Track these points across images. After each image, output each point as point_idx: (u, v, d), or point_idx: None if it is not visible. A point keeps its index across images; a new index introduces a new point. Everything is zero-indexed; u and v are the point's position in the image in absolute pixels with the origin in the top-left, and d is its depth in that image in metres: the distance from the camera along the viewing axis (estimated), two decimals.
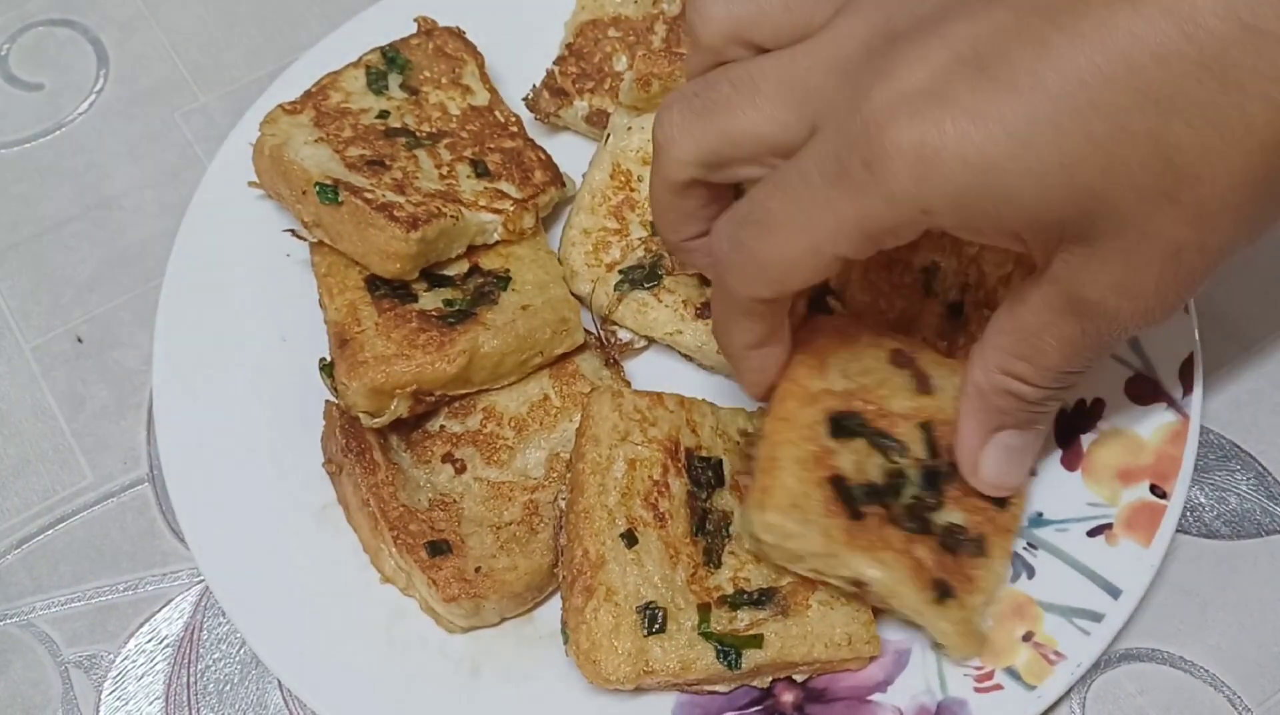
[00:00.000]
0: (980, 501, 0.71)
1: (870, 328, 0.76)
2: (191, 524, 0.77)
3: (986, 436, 0.68)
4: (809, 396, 0.70)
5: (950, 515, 0.70)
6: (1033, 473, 0.75)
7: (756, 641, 0.68)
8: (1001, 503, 0.72)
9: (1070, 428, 0.79)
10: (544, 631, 0.75)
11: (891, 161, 0.52)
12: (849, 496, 0.67)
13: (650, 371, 0.85)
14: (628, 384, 0.83)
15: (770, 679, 0.71)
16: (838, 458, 0.68)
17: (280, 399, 0.82)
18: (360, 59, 0.90)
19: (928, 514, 0.70)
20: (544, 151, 0.90)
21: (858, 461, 0.69)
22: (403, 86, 0.90)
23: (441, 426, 0.80)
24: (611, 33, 0.95)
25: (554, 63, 0.94)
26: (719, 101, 0.61)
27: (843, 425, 0.70)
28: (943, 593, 0.67)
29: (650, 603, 0.68)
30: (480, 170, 0.86)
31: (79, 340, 0.91)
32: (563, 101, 0.93)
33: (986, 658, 0.71)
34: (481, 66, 0.92)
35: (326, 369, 0.80)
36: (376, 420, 0.76)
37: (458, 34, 0.93)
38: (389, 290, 0.80)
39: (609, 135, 0.87)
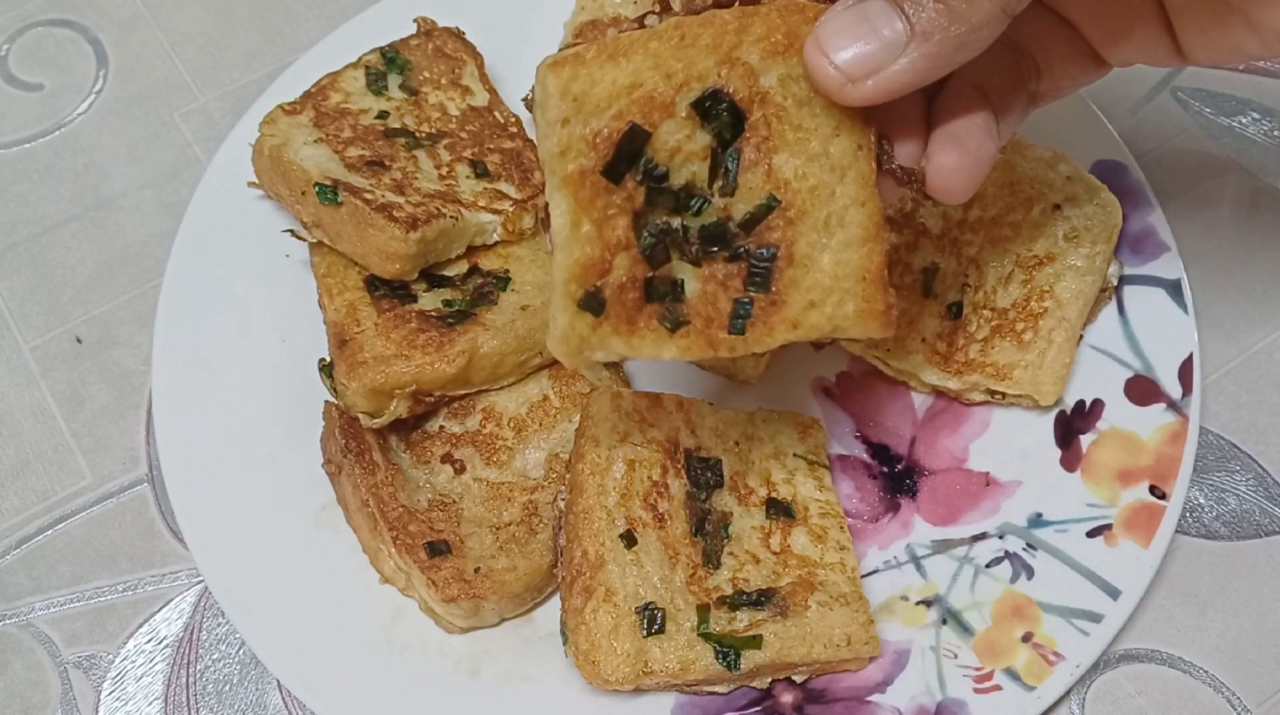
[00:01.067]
0: (730, 292, 0.60)
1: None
2: (190, 524, 0.77)
3: None
4: (733, 40, 0.57)
5: (685, 274, 0.59)
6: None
7: (756, 642, 0.68)
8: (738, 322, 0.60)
9: (1070, 428, 0.79)
10: (543, 632, 0.75)
11: None
12: (626, 156, 0.56)
13: (650, 371, 0.85)
14: (627, 384, 0.83)
15: (769, 680, 0.71)
16: (671, 120, 0.57)
17: (280, 399, 0.82)
18: (360, 59, 0.90)
19: (671, 252, 0.59)
20: None
21: (680, 147, 0.58)
22: (402, 87, 0.90)
23: (441, 427, 0.80)
24: (611, 33, 0.95)
25: None
26: None
27: (714, 101, 0.57)
28: (594, 306, 0.58)
29: (649, 603, 0.68)
30: (480, 171, 0.86)
31: (78, 340, 0.91)
32: None
33: (986, 658, 0.71)
34: (481, 67, 0.92)
35: (326, 369, 0.80)
36: (376, 420, 0.76)
37: (457, 34, 0.93)
38: (389, 290, 0.81)
39: None
